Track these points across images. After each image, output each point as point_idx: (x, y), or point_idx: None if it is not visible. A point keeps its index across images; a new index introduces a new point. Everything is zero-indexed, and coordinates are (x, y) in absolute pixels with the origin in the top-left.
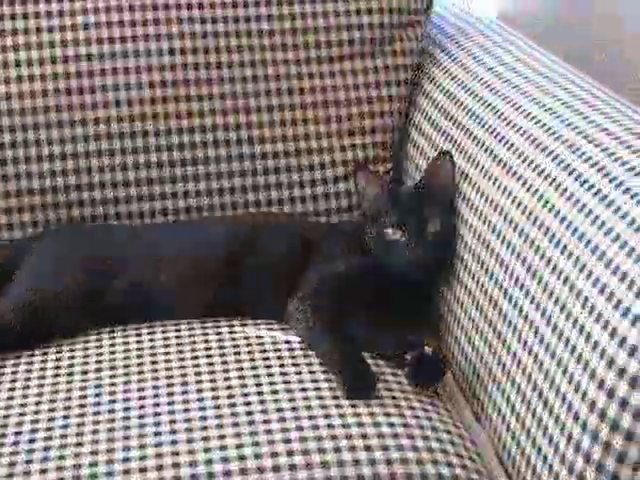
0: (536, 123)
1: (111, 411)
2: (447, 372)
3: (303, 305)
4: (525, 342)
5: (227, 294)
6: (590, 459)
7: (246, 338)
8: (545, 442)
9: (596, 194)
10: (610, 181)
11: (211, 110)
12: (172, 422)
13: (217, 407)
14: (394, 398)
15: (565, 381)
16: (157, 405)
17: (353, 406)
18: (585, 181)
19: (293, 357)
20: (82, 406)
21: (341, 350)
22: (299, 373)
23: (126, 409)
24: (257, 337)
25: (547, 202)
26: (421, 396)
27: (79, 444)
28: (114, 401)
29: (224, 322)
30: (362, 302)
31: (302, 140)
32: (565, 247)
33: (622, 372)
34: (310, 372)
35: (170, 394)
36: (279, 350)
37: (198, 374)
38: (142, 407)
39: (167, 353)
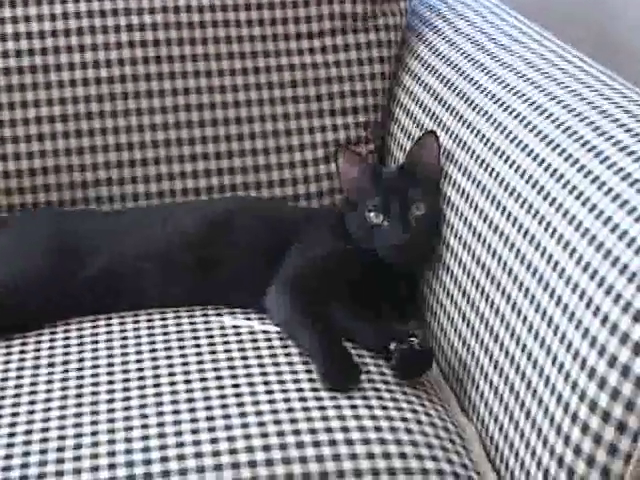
0: (526, 102)
1: (79, 405)
2: (433, 364)
3: (282, 293)
4: (513, 330)
5: (201, 282)
6: (580, 452)
7: (222, 328)
8: (534, 435)
9: (587, 175)
10: (601, 162)
11: (185, 89)
12: (143, 416)
13: (190, 401)
14: (376, 390)
15: (555, 371)
16: (127, 399)
17: (333, 398)
18: (575, 161)
19: (271, 348)
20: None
21: (322, 339)
22: (277, 365)
23: (94, 403)
24: (233, 327)
25: (536, 183)
26: (405, 388)
27: (61, 437)
28: (80, 395)
29: (198, 311)
30: (343, 290)
31: (280, 120)
32: (555, 231)
33: (613, 360)
34: (289, 363)
35: (141, 387)
36: (256, 341)
37: (170, 366)
38: (111, 401)
39: (138, 344)
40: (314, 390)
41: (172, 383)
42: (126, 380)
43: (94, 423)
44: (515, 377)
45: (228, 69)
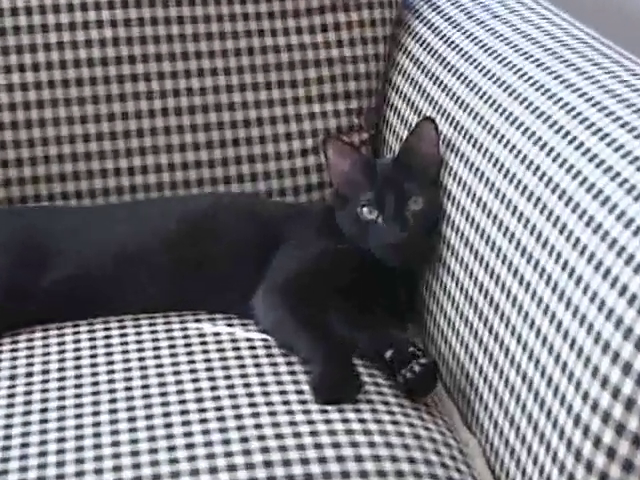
0: (532, 85)
1: (44, 421)
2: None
3: (272, 296)
4: (520, 336)
5: (179, 285)
6: (593, 467)
7: (201, 335)
8: (542, 450)
9: (592, 159)
10: (600, 138)
11: (159, 73)
12: (114, 433)
13: (166, 415)
14: (370, 402)
15: (565, 380)
16: (97, 414)
17: (323, 412)
18: (581, 144)
19: (255, 357)
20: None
21: (322, 343)
22: (261, 375)
23: (61, 419)
24: (214, 334)
25: (544, 175)
26: (402, 400)
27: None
28: (45, 410)
29: (176, 317)
30: (335, 293)
31: (265, 107)
32: (565, 226)
33: (616, 357)
34: (274, 374)
35: (112, 401)
36: (239, 349)
37: (144, 377)
38: (79, 416)
39: (109, 354)
40: (302, 403)
41: (146, 396)
42: (96, 393)
43: (61, 440)
44: (522, 387)
45: (207, 51)
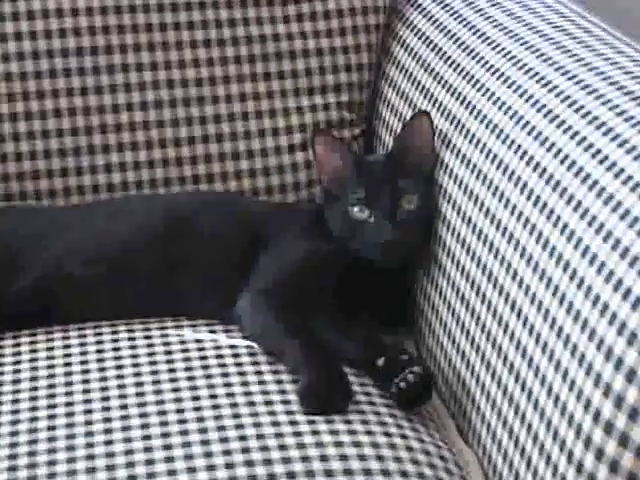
0: (532, 77)
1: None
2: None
3: (257, 301)
4: (519, 342)
5: (158, 289)
6: (582, 469)
7: (182, 343)
8: (542, 463)
9: (595, 155)
10: (604, 133)
11: (137, 64)
12: (89, 445)
13: (144, 427)
14: (361, 412)
15: (566, 388)
16: (71, 426)
17: (311, 423)
18: (583, 139)
19: (239, 365)
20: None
21: (310, 349)
22: (246, 384)
23: (32, 430)
24: (195, 341)
25: (544, 171)
26: (394, 410)
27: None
28: (17, 422)
29: (155, 324)
30: (324, 297)
31: (250, 100)
32: (566, 226)
33: (619, 363)
34: (260, 383)
35: (87, 412)
36: (222, 357)
37: (122, 387)
38: (52, 428)
39: (84, 362)
40: (289, 414)
41: (123, 407)
42: (69, 404)
43: (31, 454)
44: (521, 397)
45: (188, 40)
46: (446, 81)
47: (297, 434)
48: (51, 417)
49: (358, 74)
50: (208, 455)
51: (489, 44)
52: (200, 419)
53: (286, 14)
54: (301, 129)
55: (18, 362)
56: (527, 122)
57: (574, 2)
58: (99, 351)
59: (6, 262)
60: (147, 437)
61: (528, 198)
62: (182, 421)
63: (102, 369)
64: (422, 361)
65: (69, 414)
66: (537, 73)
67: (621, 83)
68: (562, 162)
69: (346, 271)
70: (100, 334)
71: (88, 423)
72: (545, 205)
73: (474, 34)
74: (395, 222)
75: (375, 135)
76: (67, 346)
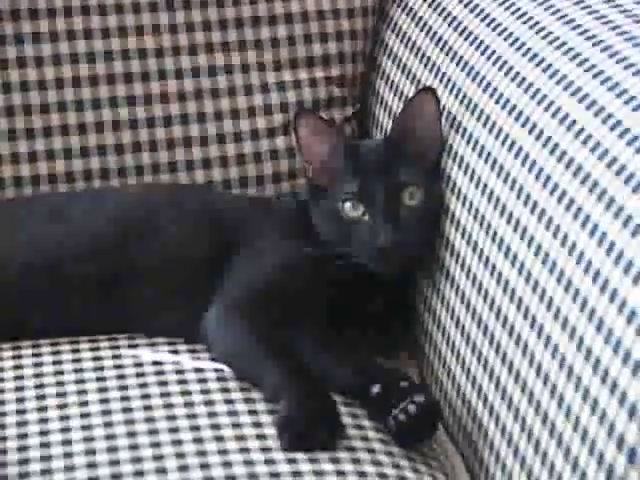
0: (551, 42)
1: None
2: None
3: (227, 316)
4: (539, 365)
5: (109, 302)
6: None
7: (138, 365)
8: None
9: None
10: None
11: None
12: None
13: (90, 466)
14: (351, 450)
15: (595, 421)
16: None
17: (292, 462)
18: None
19: (205, 392)
20: None
21: (290, 378)
22: (213, 415)
23: None
24: (154, 364)
25: (579, 169)
26: (391, 447)
27: None
28: None
29: (104, 342)
30: (309, 312)
31: (221, 74)
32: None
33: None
34: (230, 413)
35: (22, 449)
36: (186, 382)
37: (65, 419)
38: None
39: (20, 389)
40: (264, 451)
41: (66, 442)
42: (2, 439)
43: None
44: (542, 431)
45: (148, 2)
46: (455, 51)
47: (274, 475)
48: None
49: (351, 43)
50: None
51: (503, 4)
52: (158, 458)
53: None
54: (282, 109)
55: None
56: (551, 102)
57: None
58: (37, 375)
59: None
60: None
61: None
62: (136, 460)
63: (40, 397)
64: (425, 389)
65: (2, 451)
66: (564, 43)
67: None
68: (584, 143)
69: (335, 281)
70: (39, 355)
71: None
72: (572, 202)
73: None
74: (395, 221)
75: (371, 116)
76: None
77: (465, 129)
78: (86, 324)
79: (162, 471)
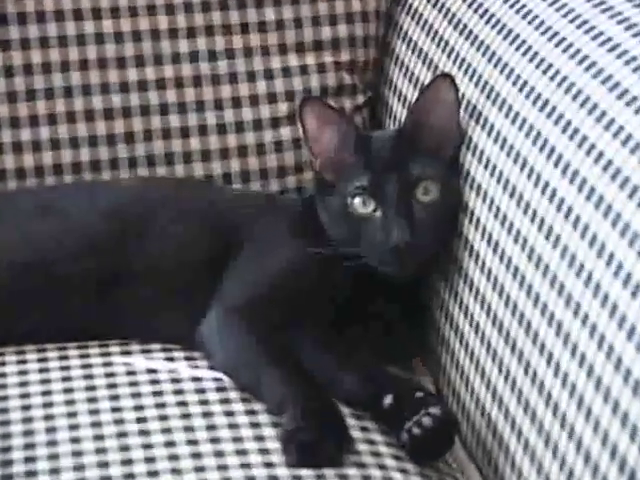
0: (581, 26)
1: None
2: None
3: (226, 321)
4: (566, 375)
5: (101, 305)
6: None
7: (130, 374)
8: None
9: None
10: None
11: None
12: None
13: None
14: (361, 466)
15: (626, 437)
16: None
17: (296, 479)
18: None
19: (204, 403)
20: None
21: (295, 388)
22: (212, 428)
23: None
24: (148, 372)
25: (609, 163)
26: (405, 463)
27: None
28: None
29: (95, 349)
30: (315, 316)
31: (222, 58)
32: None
33: None
34: (230, 426)
35: (6, 464)
36: (182, 392)
37: (51, 431)
38: None
39: (4, 399)
40: (267, 466)
41: (52, 457)
42: None
43: None
44: (569, 445)
45: None
46: (476, 36)
47: None
48: None
49: (362, 25)
50: None
51: None
52: (153, 474)
53: None
54: (288, 97)
55: None
56: (579, 91)
57: None
58: (22, 384)
59: None
60: None
61: (581, 193)
62: (129, 476)
63: (26, 408)
64: (442, 400)
65: None
66: (593, 27)
67: None
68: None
69: (343, 283)
70: (24, 362)
71: None
72: (601, 199)
73: None
74: (409, 218)
75: (384, 105)
76: None
77: (486, 119)
78: (78, 327)
79: None
